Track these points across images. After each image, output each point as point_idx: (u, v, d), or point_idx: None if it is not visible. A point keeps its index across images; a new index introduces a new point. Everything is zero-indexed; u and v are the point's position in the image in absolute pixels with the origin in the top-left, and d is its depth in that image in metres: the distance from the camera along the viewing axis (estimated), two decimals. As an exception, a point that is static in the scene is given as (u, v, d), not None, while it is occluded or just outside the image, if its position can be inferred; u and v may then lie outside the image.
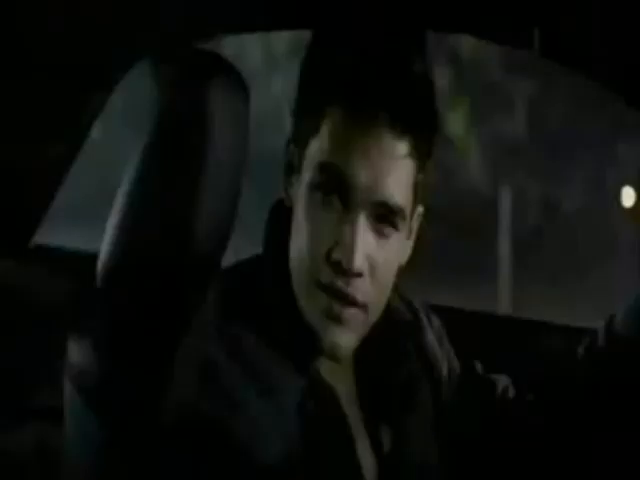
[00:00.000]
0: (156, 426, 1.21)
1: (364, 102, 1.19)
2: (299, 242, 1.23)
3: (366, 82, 1.19)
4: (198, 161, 1.34)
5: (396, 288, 1.31)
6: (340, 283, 1.20)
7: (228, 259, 1.41)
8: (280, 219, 1.30)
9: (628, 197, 4.29)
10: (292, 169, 1.26)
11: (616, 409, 1.33)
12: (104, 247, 1.38)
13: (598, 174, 4.63)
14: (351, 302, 1.21)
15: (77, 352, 1.36)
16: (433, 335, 1.41)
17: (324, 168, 1.20)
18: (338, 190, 1.20)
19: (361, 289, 1.21)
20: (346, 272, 1.19)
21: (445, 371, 1.40)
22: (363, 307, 1.22)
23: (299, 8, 1.40)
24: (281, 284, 1.26)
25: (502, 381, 1.42)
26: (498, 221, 4.67)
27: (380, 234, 1.22)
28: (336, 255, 1.19)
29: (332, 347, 1.22)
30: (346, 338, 1.22)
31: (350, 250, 1.19)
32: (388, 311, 1.29)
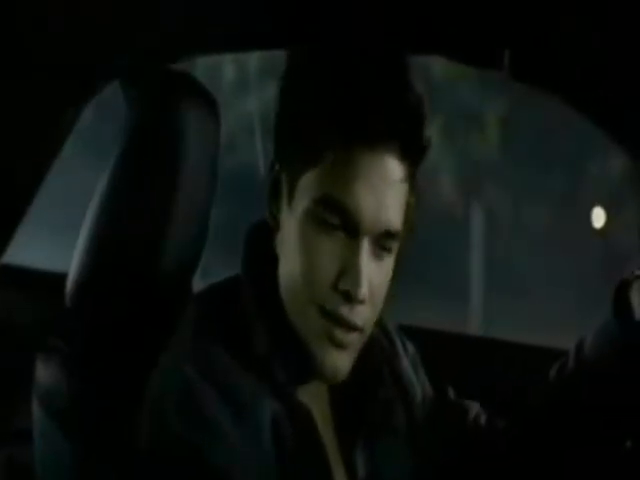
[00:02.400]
0: (129, 448, 1.21)
1: (365, 133, 1.20)
2: (295, 269, 1.23)
3: (366, 113, 1.20)
4: (168, 179, 1.34)
5: None
6: (345, 310, 1.21)
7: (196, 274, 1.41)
8: (261, 241, 1.29)
9: (598, 218, 4.31)
10: (278, 194, 1.26)
11: (586, 431, 1.33)
12: (74, 266, 1.37)
13: (569, 194, 4.65)
14: (353, 328, 1.22)
15: (44, 372, 1.35)
16: (408, 361, 1.41)
17: (326, 201, 1.21)
18: (341, 221, 1.21)
19: (361, 314, 1.22)
20: (353, 300, 1.21)
21: (419, 396, 1.39)
22: (361, 331, 1.23)
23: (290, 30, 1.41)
24: (263, 307, 1.26)
25: (474, 407, 1.42)
26: (469, 240, 4.68)
27: (378, 258, 1.24)
28: (343, 285, 1.21)
29: (333, 372, 1.24)
30: (345, 361, 1.24)
31: (358, 279, 1.20)
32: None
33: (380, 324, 1.36)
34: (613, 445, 1.35)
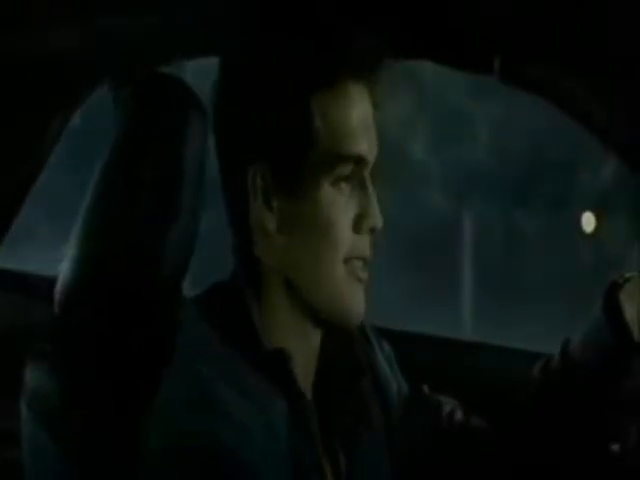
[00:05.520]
0: (120, 451, 1.21)
1: (343, 65, 1.23)
2: (319, 239, 1.23)
3: (337, 48, 1.23)
4: (157, 182, 1.34)
5: None
6: (364, 247, 1.25)
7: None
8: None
9: (589, 222, 4.33)
10: (270, 198, 1.25)
11: (570, 431, 1.34)
12: (63, 271, 1.37)
13: (560, 198, 4.66)
14: (367, 260, 1.26)
15: (32, 375, 1.35)
16: (383, 358, 1.42)
17: (339, 159, 1.23)
18: (353, 168, 1.24)
19: (368, 245, 1.26)
20: (375, 231, 1.25)
21: (395, 392, 1.40)
22: (368, 264, 1.27)
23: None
24: (259, 297, 1.27)
25: (449, 403, 1.43)
26: (461, 246, 4.69)
27: None
28: (366, 224, 1.24)
29: (359, 311, 1.26)
30: (364, 300, 1.27)
31: (376, 212, 1.25)
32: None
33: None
34: (598, 445, 1.35)
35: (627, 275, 1.31)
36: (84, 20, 1.33)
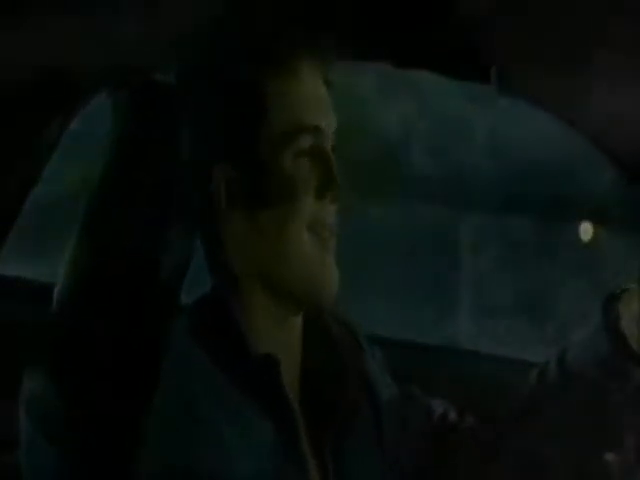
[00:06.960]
0: (118, 456, 1.21)
1: (300, 43, 1.28)
2: (284, 215, 1.25)
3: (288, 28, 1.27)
4: (155, 183, 1.35)
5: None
6: (326, 213, 1.27)
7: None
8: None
9: (586, 232, 4.32)
10: (235, 198, 1.27)
11: (565, 439, 1.34)
12: (63, 273, 1.37)
13: (558, 208, 4.66)
14: (333, 228, 1.28)
15: (30, 379, 1.35)
16: (375, 365, 1.42)
17: (307, 130, 1.26)
18: (312, 139, 1.27)
19: (333, 214, 1.29)
20: (336, 200, 1.27)
21: (386, 398, 1.41)
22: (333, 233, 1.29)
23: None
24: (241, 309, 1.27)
25: (441, 405, 1.43)
26: (457, 254, 4.69)
27: None
28: (330, 190, 1.26)
29: (334, 281, 1.28)
30: (336, 273, 1.28)
31: (335, 178, 1.27)
32: (331, 332, 1.31)
33: (349, 329, 1.39)
34: (592, 453, 1.36)
35: (625, 286, 1.31)
36: (84, 21, 1.34)
